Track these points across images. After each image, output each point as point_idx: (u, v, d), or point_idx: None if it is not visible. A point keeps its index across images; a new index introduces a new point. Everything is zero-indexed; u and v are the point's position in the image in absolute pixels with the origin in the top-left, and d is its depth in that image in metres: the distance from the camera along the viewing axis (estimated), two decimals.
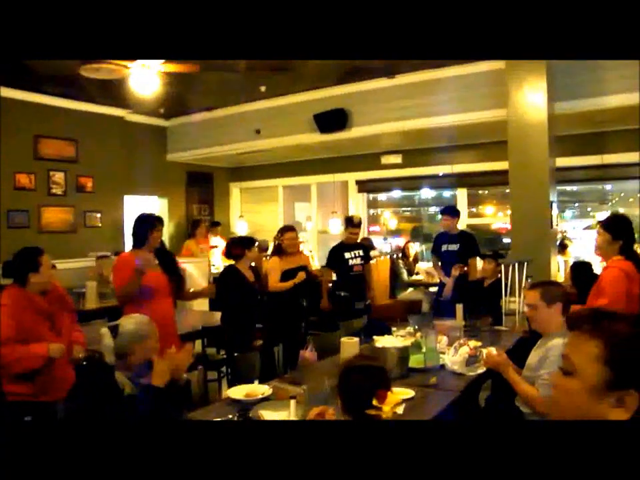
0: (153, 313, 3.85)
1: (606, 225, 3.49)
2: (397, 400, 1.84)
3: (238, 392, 2.98)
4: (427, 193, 9.89)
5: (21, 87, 7.10)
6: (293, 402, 2.34)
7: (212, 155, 9.33)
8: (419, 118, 6.81)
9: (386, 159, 8.73)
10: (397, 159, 8.65)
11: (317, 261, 8.83)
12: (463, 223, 8.34)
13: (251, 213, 10.66)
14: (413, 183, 9.08)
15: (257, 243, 5.08)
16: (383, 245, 9.61)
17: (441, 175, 8.44)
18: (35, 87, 7.21)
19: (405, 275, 7.73)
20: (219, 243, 9.33)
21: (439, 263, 5.92)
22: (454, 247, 5.72)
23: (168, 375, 2.53)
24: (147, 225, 4.07)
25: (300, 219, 10.74)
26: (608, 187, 9.42)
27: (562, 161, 7.02)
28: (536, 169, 5.22)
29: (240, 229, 10.07)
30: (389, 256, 7.98)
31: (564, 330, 2.95)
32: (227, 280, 4.85)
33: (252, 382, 3.17)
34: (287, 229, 5.27)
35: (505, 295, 4.90)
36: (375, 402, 1.79)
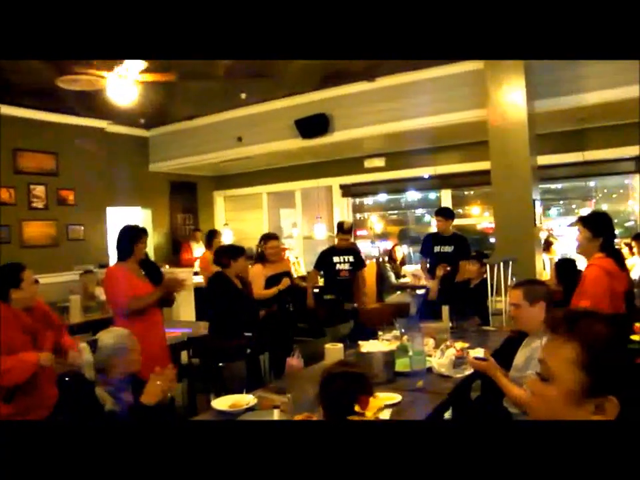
0: (145, 324, 3.88)
1: (585, 222, 3.47)
2: (379, 405, 1.81)
3: (223, 403, 2.93)
4: (412, 195, 9.88)
5: None
6: (276, 412, 2.30)
7: (194, 164, 9.28)
8: (400, 120, 6.80)
9: (369, 163, 8.72)
10: (380, 162, 8.64)
11: (302, 267, 8.81)
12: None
13: (236, 220, 10.60)
14: (397, 186, 9.07)
15: (245, 253, 5.03)
16: (370, 249, 9.60)
17: (426, 176, 8.43)
18: (12, 100, 7.13)
19: (392, 278, 7.72)
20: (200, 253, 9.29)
21: (427, 265, 5.90)
22: (448, 249, 5.71)
23: (161, 394, 2.49)
24: (130, 237, 4.05)
25: (285, 225, 10.71)
26: (592, 183, 9.48)
27: (544, 159, 7.07)
28: (517, 168, 5.22)
29: (225, 237, 10.00)
30: (374, 260, 7.96)
31: (545, 329, 2.94)
32: (216, 286, 4.80)
33: (240, 391, 3.14)
34: (270, 237, 5.24)
35: (491, 295, 4.90)
36: (357, 408, 1.75)
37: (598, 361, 1.03)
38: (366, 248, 9.75)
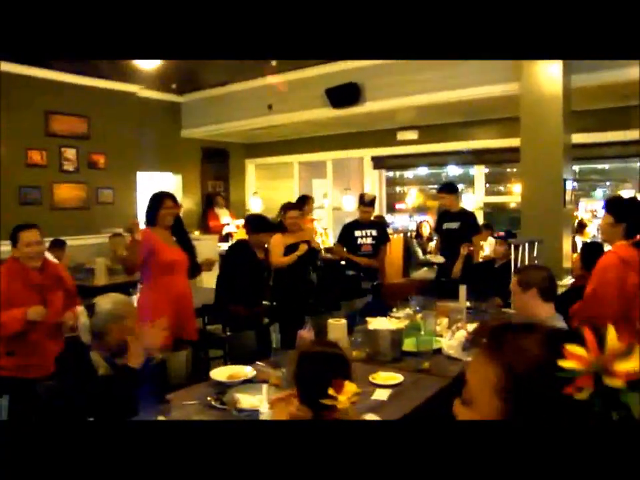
0: (171, 288, 3.94)
1: (609, 205, 3.30)
2: (354, 390, 1.73)
3: (221, 373, 2.91)
4: (453, 170, 9.70)
5: (30, 63, 7.04)
6: (265, 387, 2.25)
7: (226, 131, 9.22)
8: (433, 92, 6.58)
9: (402, 135, 8.54)
10: (413, 134, 8.45)
11: (331, 239, 8.73)
12: (480, 201, 8.19)
13: (267, 189, 10.56)
14: (431, 160, 8.89)
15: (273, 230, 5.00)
16: (408, 223, 9.50)
17: (465, 151, 8.20)
18: (44, 63, 7.15)
19: (419, 254, 7.58)
20: (229, 220, 9.32)
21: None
22: (454, 225, 5.59)
23: (142, 356, 2.47)
24: (154, 203, 4.05)
25: (317, 195, 10.62)
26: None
27: (583, 137, 6.80)
28: (549, 145, 4.99)
29: (254, 205, 10.00)
30: (402, 235, 7.83)
31: (546, 317, 2.80)
32: (236, 254, 4.78)
33: (249, 361, 3.12)
34: (290, 207, 5.16)
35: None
36: (331, 391, 1.68)
37: (520, 390, 0.84)
38: (404, 222, 9.68)
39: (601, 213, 7.61)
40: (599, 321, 3.11)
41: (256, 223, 4.82)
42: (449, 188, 5.77)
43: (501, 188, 9.14)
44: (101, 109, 8.03)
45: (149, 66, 5.66)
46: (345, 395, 1.67)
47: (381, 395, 2.63)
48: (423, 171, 9.95)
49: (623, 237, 3.21)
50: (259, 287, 4.73)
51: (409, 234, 7.91)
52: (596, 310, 3.06)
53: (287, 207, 5.19)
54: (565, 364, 0.80)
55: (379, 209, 9.33)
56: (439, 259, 5.84)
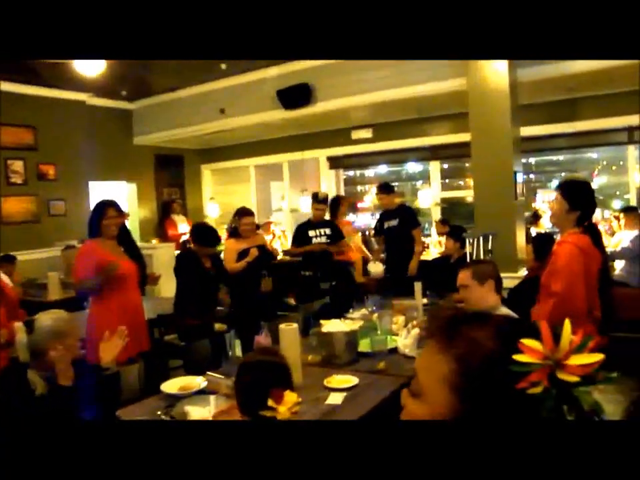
0: (121, 301, 3.79)
1: (564, 190, 3.08)
2: (294, 400, 1.68)
3: (172, 385, 2.83)
4: (413, 167, 9.75)
5: None
6: (212, 398, 2.18)
7: (179, 137, 9.09)
8: (384, 90, 6.59)
9: (356, 134, 8.54)
10: (367, 133, 8.47)
11: (289, 241, 8.68)
12: (436, 197, 8.24)
13: (224, 194, 10.46)
14: (386, 157, 8.93)
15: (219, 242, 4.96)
16: (371, 221, 9.52)
17: (420, 147, 8.24)
18: None
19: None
20: (186, 227, 9.18)
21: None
22: (394, 223, 5.68)
23: (71, 372, 2.38)
24: (96, 213, 3.92)
25: (275, 198, 10.58)
26: (594, 155, 9.32)
27: (533, 130, 6.90)
28: (498, 139, 5.03)
29: (211, 211, 9.88)
30: (360, 233, 7.82)
31: (498, 306, 2.80)
32: (182, 264, 4.70)
33: (204, 371, 3.04)
34: (245, 213, 5.08)
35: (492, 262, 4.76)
36: (270, 402, 1.63)
37: (473, 384, 0.80)
38: (367, 220, 9.71)
39: None
40: (572, 319, 3.08)
41: (199, 235, 4.77)
42: (385, 188, 5.89)
43: (461, 182, 9.21)
44: (49, 118, 7.82)
45: (93, 73, 5.51)
46: (285, 405, 1.62)
47: (336, 398, 2.59)
48: (383, 169, 9.98)
49: (575, 225, 3.13)
50: (208, 296, 4.66)
51: (367, 232, 7.89)
52: (570, 307, 2.97)
53: (242, 213, 5.11)
54: (520, 358, 0.78)
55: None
56: (378, 267, 5.91)
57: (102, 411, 2.46)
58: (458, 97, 6.11)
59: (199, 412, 2.38)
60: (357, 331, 3.20)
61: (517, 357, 0.77)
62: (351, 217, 11.04)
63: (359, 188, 10.89)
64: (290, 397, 1.65)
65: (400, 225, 5.71)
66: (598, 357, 0.81)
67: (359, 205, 10.39)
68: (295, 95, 7.11)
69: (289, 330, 2.81)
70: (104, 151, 8.68)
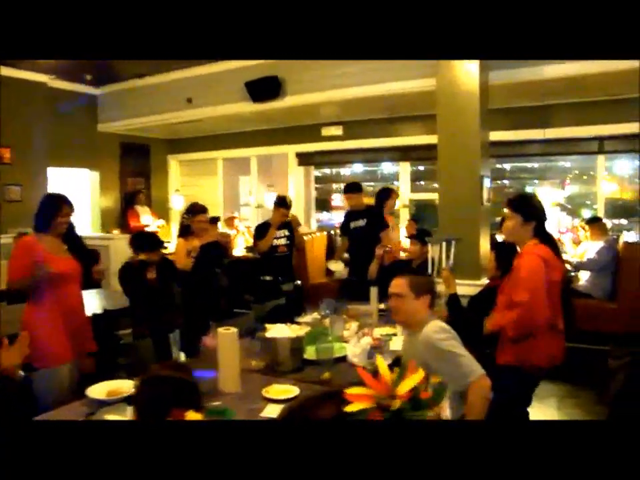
0: (60, 303, 3.54)
1: (514, 205, 3.15)
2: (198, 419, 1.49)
3: (100, 390, 2.62)
4: (388, 168, 9.63)
5: None
6: (129, 409, 1.99)
7: (146, 125, 8.81)
8: (354, 86, 6.43)
9: (326, 131, 8.36)
10: (337, 130, 8.29)
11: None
12: (405, 198, 8.12)
13: (191, 186, 10.20)
14: (357, 156, 8.78)
15: (161, 247, 4.72)
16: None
17: (391, 148, 8.09)
18: None
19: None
20: (150, 219, 8.94)
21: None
22: (361, 223, 5.50)
23: None
24: (52, 208, 3.64)
25: (244, 192, 10.38)
26: (567, 164, 9.33)
27: (503, 135, 6.80)
28: (466, 142, 4.88)
29: (176, 203, 9.63)
30: (325, 232, 7.65)
31: (428, 320, 2.66)
32: (123, 276, 4.48)
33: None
34: (198, 211, 4.86)
35: (431, 276, 4.61)
36: None
37: None
38: (341, 219, 9.57)
39: None
40: (537, 329, 2.99)
41: (138, 243, 4.54)
42: (352, 188, 5.67)
43: (436, 185, 9.11)
44: (6, 99, 7.47)
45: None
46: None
47: (272, 411, 2.40)
48: (359, 168, 9.84)
49: (532, 236, 3.11)
50: (154, 307, 4.44)
51: (332, 231, 7.72)
52: (535, 316, 2.94)
53: (195, 210, 4.88)
54: (352, 408, 0.93)
55: (307, 206, 9.18)
56: (338, 265, 5.75)
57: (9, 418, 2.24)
58: (429, 97, 5.96)
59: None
60: (303, 337, 3.02)
61: (349, 408, 0.94)
62: (324, 215, 10.92)
63: (334, 186, 10.77)
64: (193, 417, 1.46)
65: (367, 226, 5.53)
66: (418, 376, 1.02)
67: (333, 204, 10.29)
68: (264, 88, 6.91)
69: (227, 335, 2.63)
70: (66, 137, 8.37)
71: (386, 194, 6.19)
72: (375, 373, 0.92)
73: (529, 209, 3.11)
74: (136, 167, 9.85)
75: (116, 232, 8.88)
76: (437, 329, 2.58)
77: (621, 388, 1.77)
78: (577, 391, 4.84)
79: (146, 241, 4.60)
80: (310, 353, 3.08)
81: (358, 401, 0.89)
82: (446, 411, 1.63)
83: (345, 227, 5.76)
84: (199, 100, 7.78)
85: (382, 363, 0.94)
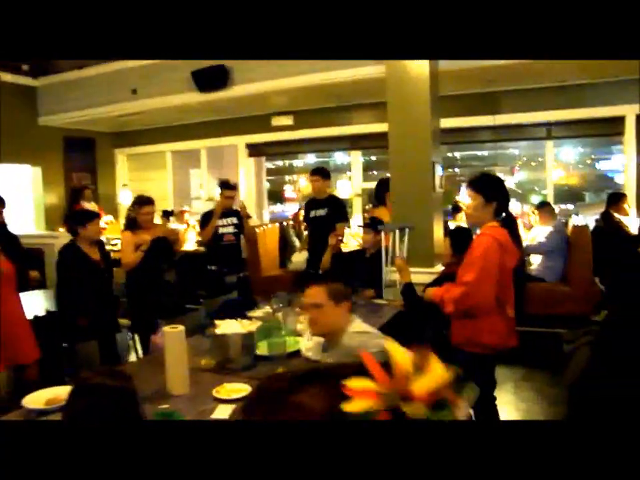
0: None
1: (476, 186, 3.07)
2: None
3: (37, 398, 2.46)
4: (341, 158, 9.56)
5: None
6: None
7: (90, 118, 8.48)
8: (304, 74, 6.30)
9: (277, 120, 8.22)
10: (288, 120, 8.16)
11: None
12: (357, 188, 8.06)
13: (139, 180, 9.92)
14: (309, 147, 8.68)
15: (97, 218, 4.51)
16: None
17: (347, 136, 8.00)
18: None
19: (296, 244, 7.30)
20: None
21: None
22: (322, 212, 5.41)
23: None
24: None
25: (195, 186, 10.16)
26: (516, 151, 9.46)
27: (453, 122, 6.81)
28: (417, 129, 4.83)
29: (124, 198, 9.35)
30: (278, 223, 7.53)
31: (346, 327, 2.63)
32: (66, 257, 4.28)
33: None
34: (144, 202, 4.70)
35: (386, 265, 4.56)
36: None
37: None
38: (295, 210, 9.48)
39: None
40: (478, 310, 2.95)
41: (70, 221, 4.39)
42: (322, 171, 5.56)
43: (388, 174, 9.10)
44: None
45: None
46: None
47: (223, 412, 2.29)
48: (311, 159, 9.74)
49: (493, 217, 3.06)
50: (98, 292, 4.26)
51: (285, 222, 7.61)
52: (478, 298, 2.90)
53: (141, 202, 4.71)
54: (353, 407, 0.66)
55: (259, 198, 9.04)
56: (302, 256, 5.65)
57: None
58: (379, 84, 5.90)
59: None
60: (254, 332, 2.91)
61: (349, 408, 0.66)
62: (277, 207, 10.78)
63: (287, 177, 10.67)
64: None
65: (328, 216, 5.45)
66: (441, 373, 0.70)
67: (287, 195, 10.19)
68: (211, 77, 6.73)
69: (174, 333, 2.50)
70: (3, 131, 7.98)
71: (387, 185, 5.50)
72: (385, 364, 0.69)
73: (490, 190, 3.05)
74: (81, 161, 9.52)
75: (62, 230, 8.55)
76: (356, 335, 2.56)
77: (583, 369, 1.73)
78: (533, 374, 4.89)
79: (80, 215, 4.45)
80: (262, 348, 2.97)
81: (361, 397, 0.66)
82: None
83: (304, 215, 5.66)
84: (144, 91, 7.54)
85: (396, 349, 0.69)
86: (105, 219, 8.71)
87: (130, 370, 2.99)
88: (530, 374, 4.88)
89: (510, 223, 3.16)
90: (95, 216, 4.50)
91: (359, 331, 2.58)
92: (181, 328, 2.54)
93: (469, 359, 2.98)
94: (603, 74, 6.29)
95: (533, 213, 6.56)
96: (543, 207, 6.25)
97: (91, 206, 8.84)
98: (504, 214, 3.24)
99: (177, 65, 7.06)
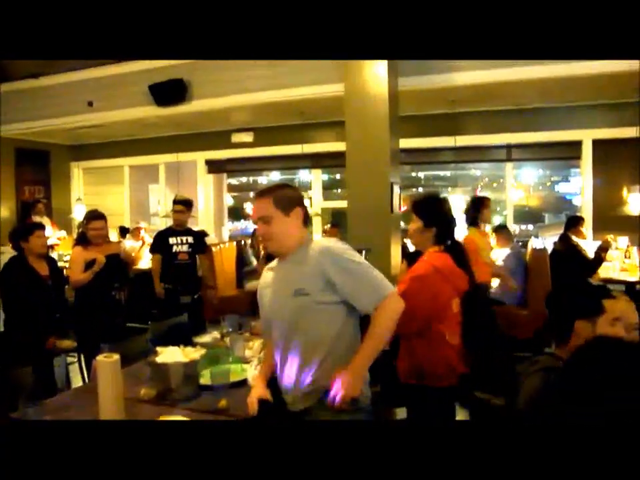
0: None
1: (417, 209, 2.95)
2: None
3: None
4: (306, 176, 9.48)
5: None
6: None
7: (45, 130, 8.24)
8: (264, 91, 6.22)
9: (237, 137, 8.10)
10: (248, 137, 8.05)
11: None
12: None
13: (96, 195, 9.67)
14: (268, 164, 8.58)
15: (38, 230, 4.31)
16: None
17: (308, 154, 7.91)
18: None
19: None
20: (50, 231, 8.34)
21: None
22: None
23: None
24: None
25: (154, 202, 9.94)
26: (478, 172, 9.54)
27: (414, 142, 6.80)
28: (375, 148, 4.77)
29: (78, 213, 9.07)
30: (235, 242, 7.37)
31: (309, 237, 2.35)
32: (10, 272, 4.07)
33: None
34: (93, 217, 4.51)
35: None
36: None
37: None
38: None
39: None
40: (403, 333, 2.83)
41: (15, 234, 4.20)
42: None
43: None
44: None
45: None
46: None
47: None
48: (276, 176, 9.65)
49: (434, 243, 2.94)
50: (42, 310, 4.05)
51: (242, 241, 7.45)
52: (405, 325, 2.76)
53: (90, 216, 4.52)
54: None
55: (219, 216, 8.89)
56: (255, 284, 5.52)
57: None
58: (339, 103, 5.85)
59: None
60: (198, 360, 2.75)
61: None
62: (241, 224, 10.62)
63: (252, 194, 10.59)
64: None
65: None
66: None
67: (248, 212, 10.09)
68: (169, 91, 6.58)
69: (106, 364, 2.32)
70: None
71: (481, 202, 5.41)
72: None
73: (430, 214, 2.92)
74: (34, 174, 9.24)
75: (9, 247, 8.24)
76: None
77: (533, 396, 1.65)
78: (490, 399, 4.80)
79: (22, 228, 4.31)
80: (206, 377, 2.81)
81: None
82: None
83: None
84: (100, 103, 7.35)
85: None
86: (58, 235, 8.43)
87: (62, 400, 2.81)
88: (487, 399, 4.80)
89: (455, 249, 3.01)
90: (37, 227, 4.30)
91: (334, 240, 2.35)
92: (116, 357, 2.36)
93: (419, 393, 2.87)
94: (562, 99, 6.37)
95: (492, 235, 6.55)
96: (500, 230, 6.24)
97: (43, 220, 8.56)
98: (449, 241, 3.09)
99: (134, 77, 6.91)
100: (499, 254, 5.94)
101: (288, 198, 2.28)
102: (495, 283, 6.01)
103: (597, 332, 1.67)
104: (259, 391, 2.40)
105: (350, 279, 2.12)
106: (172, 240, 5.19)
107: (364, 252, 4.49)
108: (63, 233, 8.62)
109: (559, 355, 1.77)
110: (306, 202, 6.13)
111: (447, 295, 2.86)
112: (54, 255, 7.18)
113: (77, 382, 4.60)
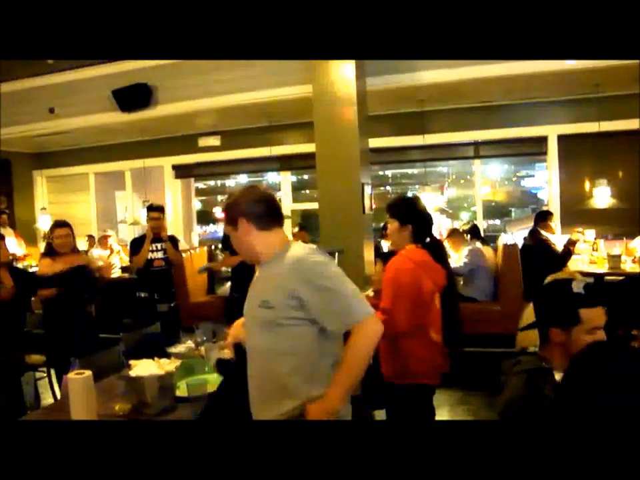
0: None
1: (390, 210, 3.01)
2: None
3: None
4: (274, 177, 9.42)
5: None
6: None
7: (4, 138, 7.95)
8: (230, 94, 6.16)
9: (204, 141, 8.01)
10: (215, 140, 7.96)
11: None
12: (287, 208, 7.92)
13: (61, 204, 9.45)
14: (235, 168, 8.49)
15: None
16: None
17: (271, 157, 7.85)
18: None
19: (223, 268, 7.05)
20: (14, 241, 8.15)
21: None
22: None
23: None
24: None
25: (120, 209, 9.76)
26: (445, 169, 9.59)
27: (383, 141, 6.80)
28: (345, 150, 4.75)
29: (43, 223, 8.86)
30: (205, 248, 7.28)
31: (284, 245, 2.11)
32: None
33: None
34: (57, 225, 4.39)
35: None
36: None
37: None
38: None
39: None
40: (399, 335, 2.83)
41: None
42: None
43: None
44: None
45: None
46: None
47: None
48: (243, 178, 9.57)
49: (411, 241, 2.96)
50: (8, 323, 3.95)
51: (212, 246, 7.36)
52: (394, 323, 2.75)
53: (54, 225, 4.40)
54: None
55: (187, 220, 8.78)
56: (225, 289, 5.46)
57: None
58: (307, 104, 5.82)
59: None
60: (173, 372, 2.69)
61: None
62: (210, 227, 10.52)
63: (220, 198, 10.50)
64: None
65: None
66: None
67: (219, 216, 9.98)
68: (133, 96, 6.47)
69: (78, 381, 2.24)
70: None
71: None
72: None
73: (403, 213, 2.96)
74: None
75: None
76: (309, 250, 2.03)
77: (515, 397, 1.64)
78: (468, 396, 4.82)
79: None
80: (182, 389, 2.75)
81: None
82: None
83: (226, 239, 5.44)
84: (63, 110, 7.19)
85: None
86: (22, 252, 8.21)
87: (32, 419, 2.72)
88: (465, 397, 4.81)
89: (434, 246, 3.05)
90: None
91: (310, 251, 2.05)
92: (87, 374, 2.29)
93: (403, 393, 2.86)
94: (527, 95, 6.44)
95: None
96: (453, 234, 6.27)
97: (7, 232, 8.34)
98: (428, 239, 3.12)
99: (96, 83, 6.78)
100: (463, 253, 5.96)
101: (232, 210, 2.09)
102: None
103: (572, 339, 1.67)
104: (235, 333, 2.33)
105: (319, 298, 1.92)
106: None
107: (336, 253, 4.48)
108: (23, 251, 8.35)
109: (542, 355, 1.76)
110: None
111: (429, 288, 2.86)
112: (19, 266, 7.02)
113: (46, 398, 4.48)
